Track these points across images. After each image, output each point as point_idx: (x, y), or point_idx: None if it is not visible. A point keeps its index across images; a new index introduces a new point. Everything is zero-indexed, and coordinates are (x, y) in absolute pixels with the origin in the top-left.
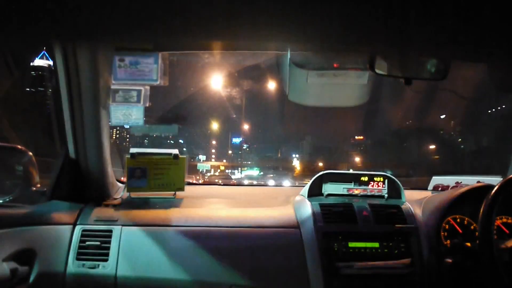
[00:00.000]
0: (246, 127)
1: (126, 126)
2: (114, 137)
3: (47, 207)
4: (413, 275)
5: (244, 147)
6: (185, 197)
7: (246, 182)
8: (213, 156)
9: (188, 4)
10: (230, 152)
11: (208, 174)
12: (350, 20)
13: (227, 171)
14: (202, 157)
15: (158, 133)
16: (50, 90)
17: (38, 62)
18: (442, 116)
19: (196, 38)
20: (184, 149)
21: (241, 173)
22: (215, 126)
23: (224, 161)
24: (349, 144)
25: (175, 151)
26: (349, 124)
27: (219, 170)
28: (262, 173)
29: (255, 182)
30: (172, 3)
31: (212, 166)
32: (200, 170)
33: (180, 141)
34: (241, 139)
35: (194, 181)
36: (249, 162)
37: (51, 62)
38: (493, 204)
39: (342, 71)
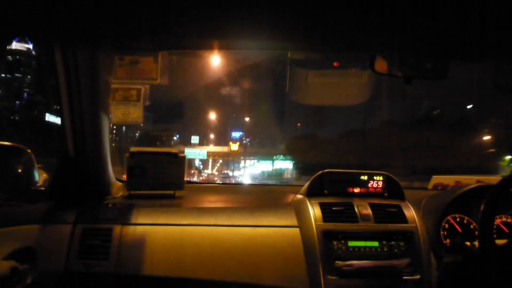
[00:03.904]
0: (247, 122)
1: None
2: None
3: (47, 206)
4: (413, 274)
5: (244, 142)
6: (185, 196)
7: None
8: (210, 140)
9: (188, 4)
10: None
11: (206, 171)
12: (350, 20)
13: (225, 171)
14: (194, 139)
15: (156, 130)
16: (30, 76)
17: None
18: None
19: (196, 37)
20: (176, 137)
21: (255, 164)
22: (214, 122)
23: (233, 144)
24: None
25: (175, 150)
26: (350, 120)
27: (220, 162)
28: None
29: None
30: (172, 2)
31: (210, 155)
32: (195, 166)
33: (176, 135)
34: (241, 133)
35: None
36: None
37: (30, 46)
38: (493, 203)
39: (342, 70)
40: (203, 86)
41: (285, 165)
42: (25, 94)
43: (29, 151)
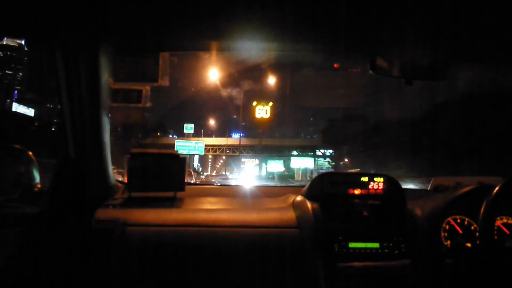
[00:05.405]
0: (245, 124)
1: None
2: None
3: (47, 208)
4: (413, 275)
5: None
6: (185, 197)
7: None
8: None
9: (188, 5)
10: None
11: (205, 173)
12: (350, 21)
13: (223, 173)
14: (188, 127)
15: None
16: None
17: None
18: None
19: (197, 38)
20: (172, 136)
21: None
22: (212, 122)
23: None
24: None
25: (176, 152)
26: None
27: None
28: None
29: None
30: (172, 3)
31: (210, 149)
32: (192, 167)
33: (175, 136)
34: (241, 134)
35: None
36: None
37: (22, 41)
38: (494, 204)
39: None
40: (202, 87)
41: (305, 163)
42: (16, 91)
43: (24, 148)
